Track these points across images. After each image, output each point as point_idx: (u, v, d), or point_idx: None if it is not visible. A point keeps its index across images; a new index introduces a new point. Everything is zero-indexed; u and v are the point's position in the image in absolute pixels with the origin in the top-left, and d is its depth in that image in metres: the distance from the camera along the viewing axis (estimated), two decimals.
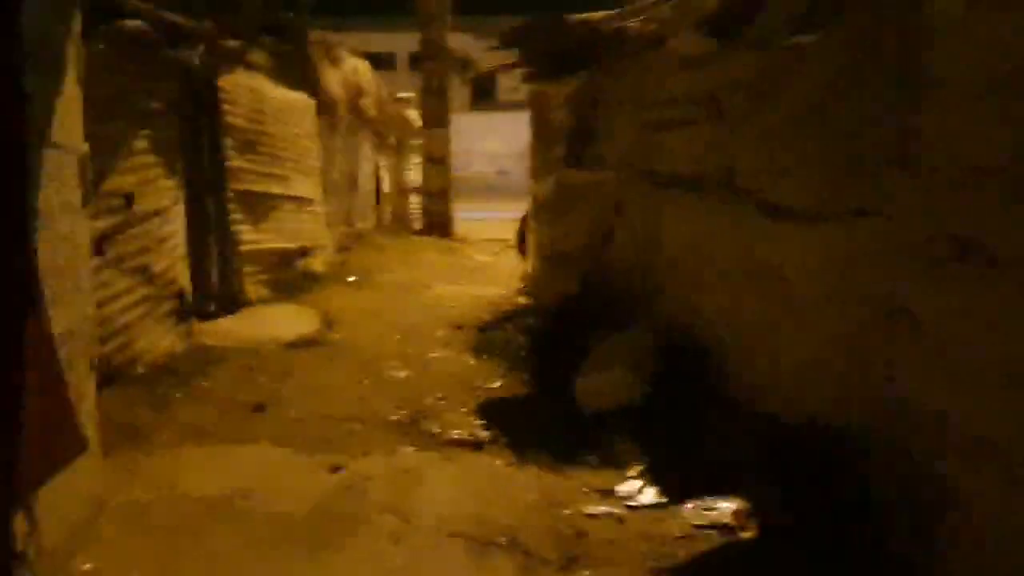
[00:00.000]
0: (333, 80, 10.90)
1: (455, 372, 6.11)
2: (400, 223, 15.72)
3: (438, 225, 15.87)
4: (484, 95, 41.61)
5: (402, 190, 16.34)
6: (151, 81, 6.04)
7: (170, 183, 6.16)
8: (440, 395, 5.54)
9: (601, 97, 6.50)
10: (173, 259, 6.09)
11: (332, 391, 5.62)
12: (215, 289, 7.60)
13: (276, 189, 8.69)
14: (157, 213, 5.82)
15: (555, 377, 5.41)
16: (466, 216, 22.15)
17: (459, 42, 22.19)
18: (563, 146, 7.08)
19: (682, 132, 5.07)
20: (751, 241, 4.18)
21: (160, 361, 5.70)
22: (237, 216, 7.74)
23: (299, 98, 9.65)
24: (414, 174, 16.62)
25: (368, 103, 12.41)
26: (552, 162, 7.52)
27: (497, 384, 5.73)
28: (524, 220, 9.34)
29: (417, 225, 16.32)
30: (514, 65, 8.82)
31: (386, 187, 14.72)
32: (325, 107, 10.66)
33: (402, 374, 6.09)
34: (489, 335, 6.82)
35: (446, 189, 16.13)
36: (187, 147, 6.88)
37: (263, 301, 8.04)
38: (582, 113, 6.80)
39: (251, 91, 8.16)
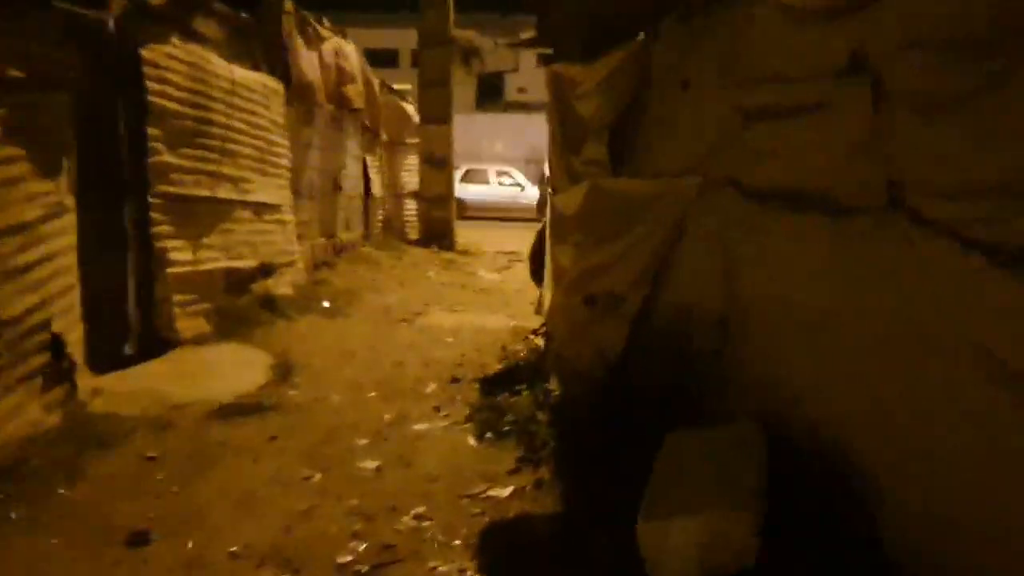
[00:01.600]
0: (309, 61, 9.04)
1: (448, 462, 4.24)
2: (393, 232, 13.85)
3: (438, 234, 14.00)
4: (491, 95, 39.92)
5: (397, 194, 14.46)
6: (30, 42, 4.22)
7: (44, 187, 4.30)
8: (421, 510, 3.67)
9: (657, 77, 4.64)
10: (45, 295, 4.23)
11: (261, 502, 3.75)
12: (133, 325, 5.75)
13: (225, 193, 6.83)
14: (11, 231, 3.96)
15: (597, 489, 3.55)
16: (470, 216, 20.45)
17: (463, 37, 20.52)
18: (596, 146, 5.22)
19: (799, 123, 3.20)
20: (935, 299, 2.34)
21: (10, 448, 3.83)
22: (165, 229, 5.88)
23: (262, 80, 7.79)
24: (411, 176, 14.75)
25: (354, 91, 10.56)
26: (579, 167, 5.66)
27: (507, 491, 3.84)
28: (539, 238, 7.47)
29: (413, 234, 14.44)
30: (531, 42, 6.96)
31: (377, 190, 12.86)
32: (299, 94, 8.81)
33: (370, 465, 4.21)
34: (497, 400, 4.95)
35: (447, 194, 14.26)
36: (89, 137, 5.04)
37: (201, 340, 6.18)
38: (626, 101, 4.93)
39: (192, 67, 6.31)
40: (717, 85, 3.92)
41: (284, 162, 8.35)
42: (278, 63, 8.39)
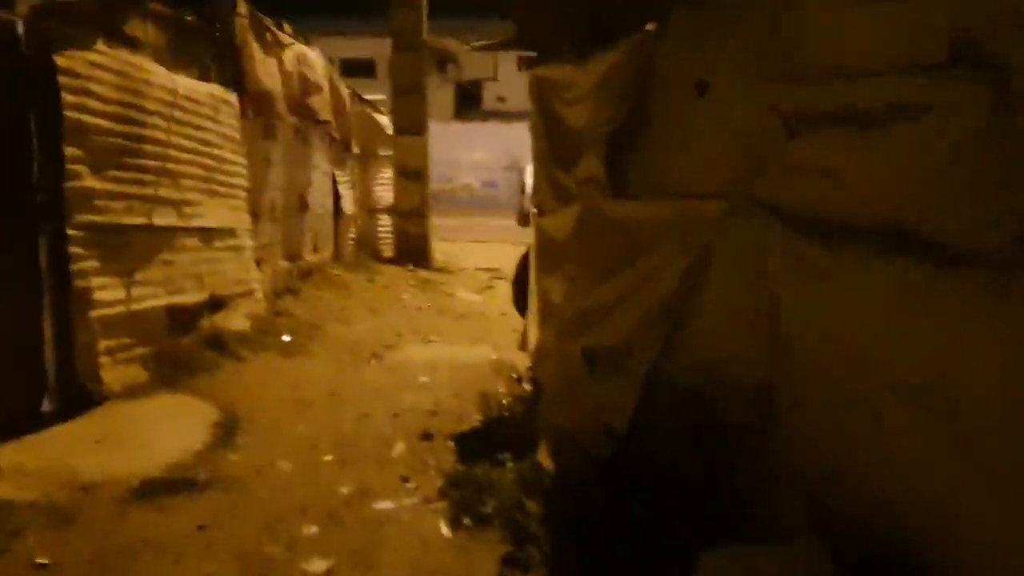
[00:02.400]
0: (267, 69, 8.21)
1: (415, 563, 3.42)
2: (367, 250, 13.01)
3: (414, 251, 13.18)
4: (469, 103, 39.20)
5: (370, 210, 13.62)
6: None
7: None
8: None
9: (664, 78, 3.85)
10: None
11: None
12: (51, 379, 4.89)
13: (164, 219, 5.98)
14: None
15: None
16: (451, 225, 19.59)
17: (438, 43, 19.77)
18: (592, 161, 4.42)
19: (874, 134, 2.42)
20: None
21: None
22: (89, 264, 5.03)
23: (211, 91, 6.95)
24: (385, 190, 13.91)
25: (320, 102, 9.72)
26: (571, 185, 4.86)
27: None
28: (523, 262, 6.68)
29: (388, 252, 13.60)
30: (510, 43, 6.16)
31: (348, 207, 12.02)
32: (256, 105, 7.97)
33: (319, 568, 3.38)
34: (476, 473, 4.11)
35: (423, 208, 13.44)
36: None
37: (135, 391, 5.32)
38: (627, 107, 4.13)
39: (123, 77, 5.46)
40: (747, 85, 3.14)
41: (239, 181, 7.50)
42: (230, 71, 7.54)
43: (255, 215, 8.12)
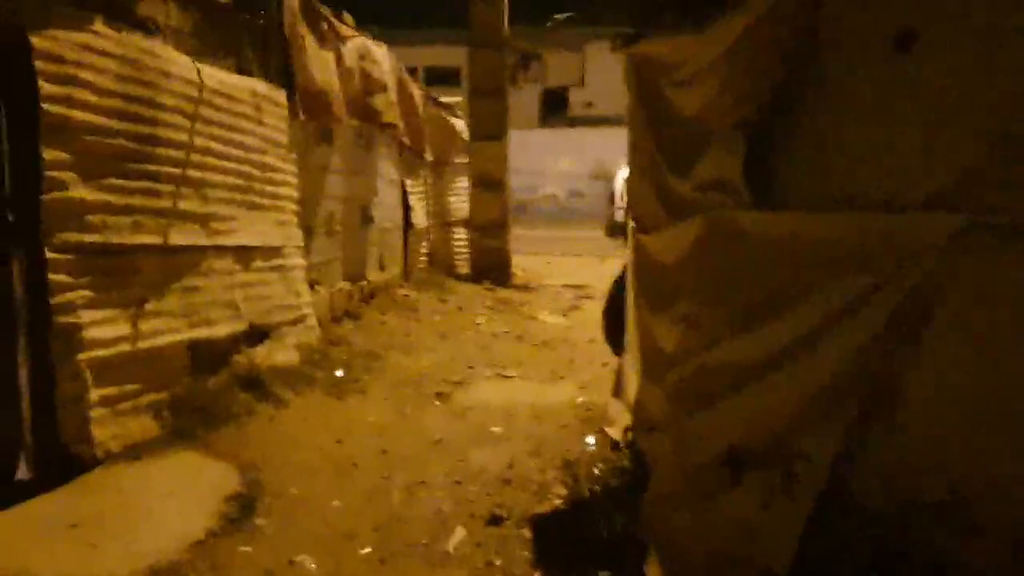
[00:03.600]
0: (322, 64, 7.20)
1: None
2: (440, 267, 11.95)
3: (492, 267, 12.06)
4: (554, 110, 38.11)
5: (444, 223, 12.58)
6: None
7: None
8: None
9: (833, 36, 2.62)
10: None
11: None
12: (28, 438, 3.90)
13: (187, 237, 4.99)
14: None
15: None
16: (533, 237, 18.45)
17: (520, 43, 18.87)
18: (721, 158, 3.20)
19: None
20: None
21: None
22: (77, 295, 4.03)
23: (252, 88, 5.97)
24: (460, 201, 12.85)
25: (384, 103, 8.69)
26: (687, 192, 3.65)
27: None
28: (617, 288, 5.47)
29: (464, 268, 12.52)
30: (599, 14, 4.97)
31: (419, 220, 11.00)
32: (308, 105, 6.96)
33: None
34: None
35: (502, 220, 12.31)
36: None
37: (139, 450, 4.30)
38: (772, 82, 2.90)
39: (129, 65, 4.48)
40: (989, 28, 1.89)
41: (287, 191, 6.51)
42: (277, 65, 6.56)
43: (308, 230, 7.12)
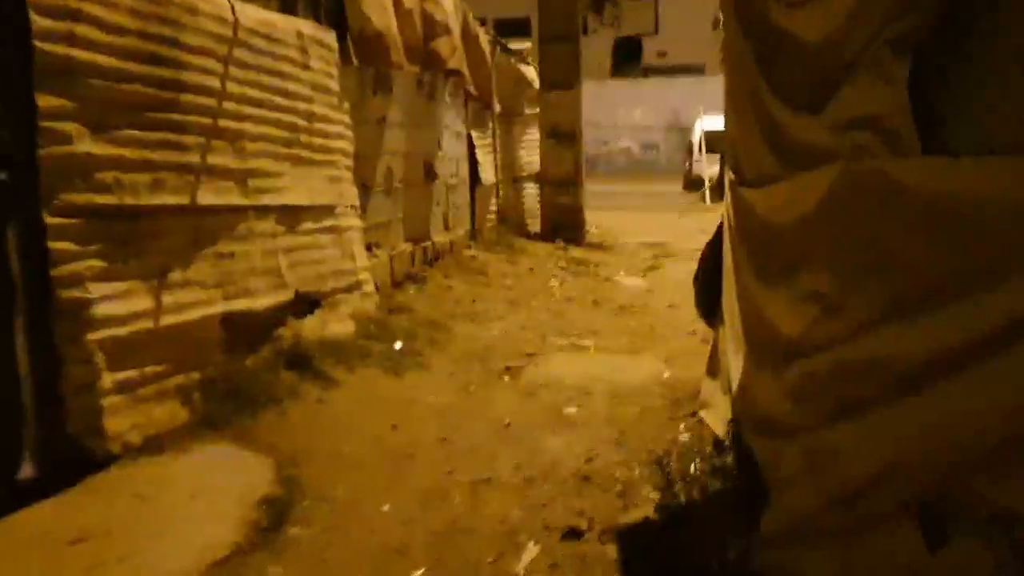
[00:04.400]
0: (379, 5, 6.51)
1: None
2: (510, 225, 11.27)
3: (565, 225, 11.33)
4: (627, 60, 36.78)
5: (514, 178, 11.86)
6: None
7: None
8: None
9: None
10: None
11: None
12: (31, 432, 3.39)
13: (220, 197, 4.40)
14: None
15: None
16: (606, 191, 17.58)
17: None
18: (870, 90, 2.43)
19: None
20: None
21: None
22: (84, 266, 3.48)
23: (297, 28, 5.33)
24: (531, 155, 12.10)
25: (448, 47, 7.97)
26: (804, 139, 2.88)
27: None
28: (712, 250, 4.70)
29: (535, 226, 11.81)
30: None
31: (487, 175, 10.31)
32: (364, 49, 6.30)
33: None
34: None
35: (575, 175, 11.53)
36: None
37: (161, 442, 3.77)
38: None
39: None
40: None
41: (340, 145, 5.89)
42: (327, 4, 5.91)
43: (364, 188, 6.52)
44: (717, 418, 4.02)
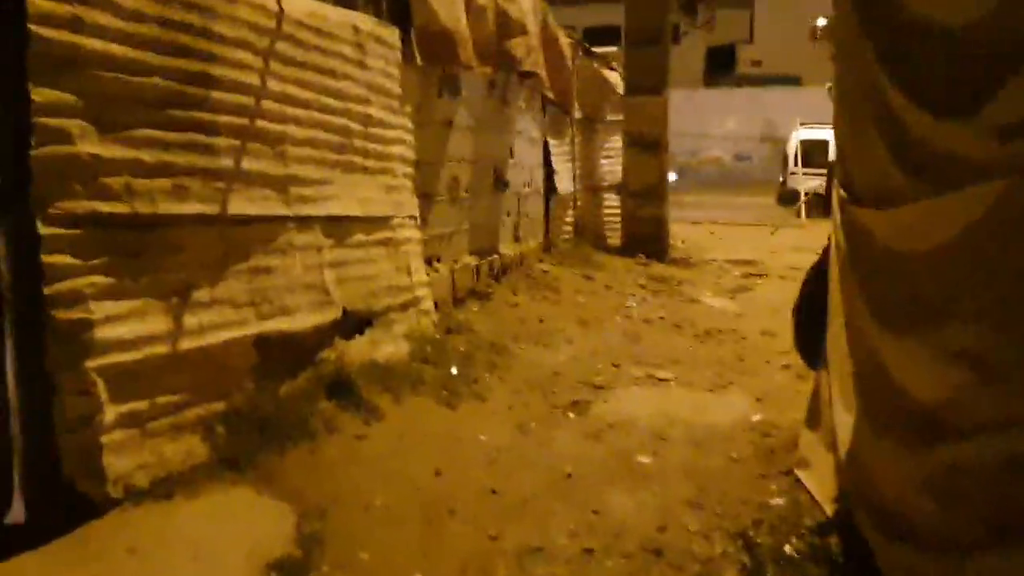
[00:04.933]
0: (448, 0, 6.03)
1: None
2: (588, 238, 10.66)
3: (646, 239, 10.66)
4: (720, 68, 35.69)
5: (593, 187, 11.25)
6: None
7: None
8: None
9: None
10: None
11: None
12: (21, 472, 2.97)
13: (255, 206, 3.95)
14: None
15: None
16: (694, 202, 16.72)
17: None
18: None
19: None
20: None
21: None
22: (87, 282, 3.05)
23: (353, 22, 4.88)
24: (612, 164, 11.47)
25: (523, 47, 7.44)
26: (951, 145, 2.23)
27: None
28: (815, 280, 4.03)
29: (615, 239, 11.17)
30: None
31: (564, 185, 9.74)
32: (429, 47, 5.82)
33: None
34: None
35: (659, 186, 10.86)
36: None
37: (169, 484, 3.31)
38: None
39: None
40: None
41: (398, 151, 5.42)
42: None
43: (426, 197, 6.03)
44: (819, 482, 3.37)
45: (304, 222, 4.35)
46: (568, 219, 10.19)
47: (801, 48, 34.09)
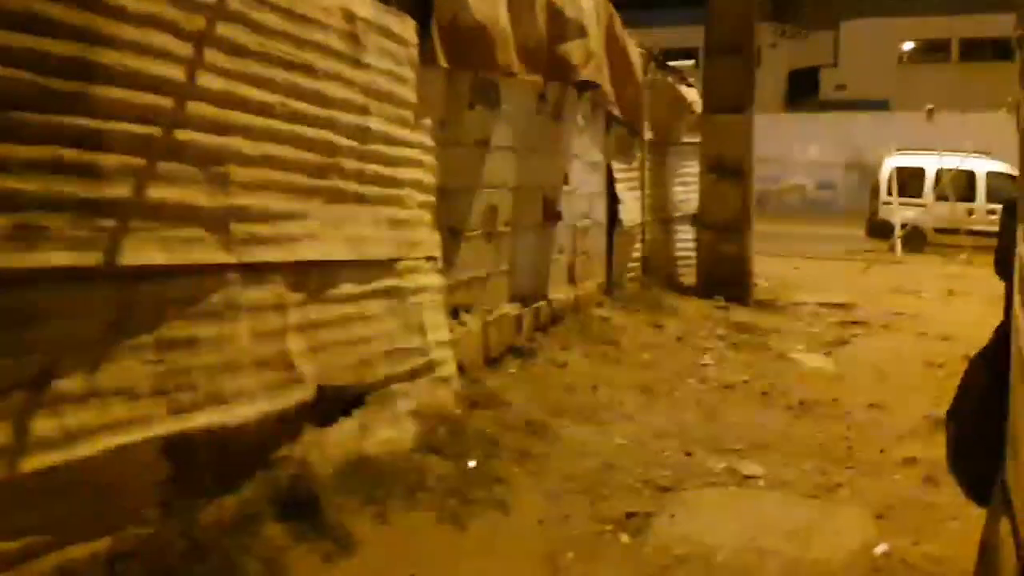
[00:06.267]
0: None
1: None
2: (658, 276, 9.30)
3: (726, 280, 9.22)
4: (802, 93, 34.00)
5: (664, 219, 9.88)
6: None
7: None
8: None
9: None
10: None
11: None
12: None
13: (167, 253, 2.77)
14: None
15: None
16: (774, 233, 15.12)
17: None
18: None
19: None
20: None
21: None
22: None
23: (341, 4, 3.70)
24: (687, 193, 10.09)
25: (582, 52, 6.19)
26: None
27: None
28: (982, 377, 2.65)
29: (690, 278, 9.77)
30: None
31: (631, 216, 8.42)
32: (456, 46, 4.62)
33: None
34: None
35: (742, 218, 9.43)
36: None
37: None
38: None
39: None
40: None
41: (411, 174, 4.23)
42: None
43: (452, 232, 4.83)
44: None
45: (256, 272, 3.16)
46: (635, 255, 8.85)
47: (888, 71, 32.28)
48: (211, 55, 2.94)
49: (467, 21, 4.68)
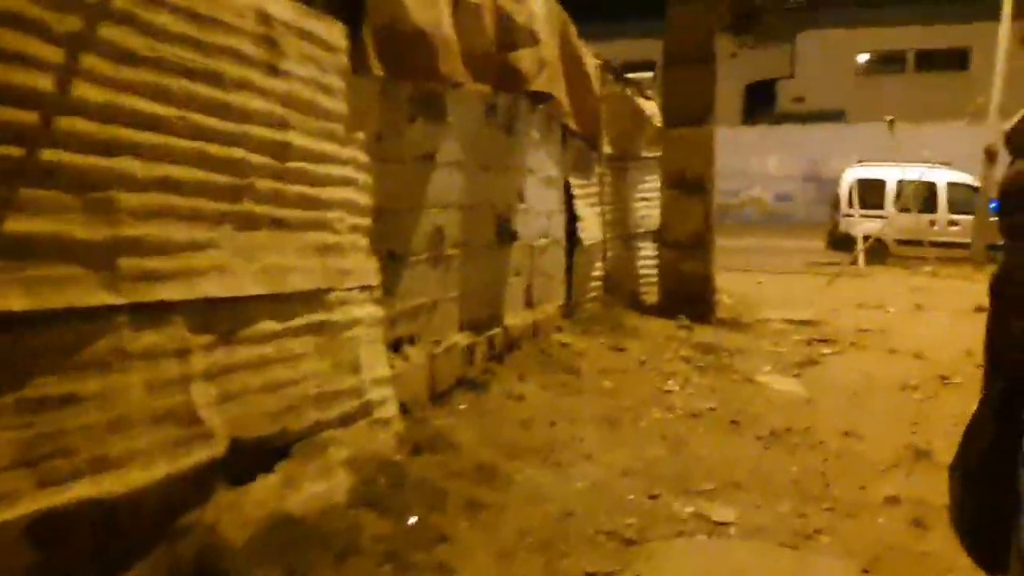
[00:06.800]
0: None
1: None
2: (620, 295, 8.93)
3: (690, 298, 8.89)
4: (758, 106, 34.08)
5: (625, 236, 9.53)
6: None
7: None
8: None
9: None
10: None
11: None
12: None
13: (35, 295, 2.31)
14: None
15: None
16: (734, 247, 14.86)
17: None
18: None
19: None
20: None
21: None
22: None
23: (255, 4, 3.27)
24: (649, 208, 9.76)
25: (533, 61, 5.80)
26: None
27: None
28: (991, 425, 2.28)
29: (652, 296, 9.43)
30: None
31: (590, 234, 8.05)
32: (395, 54, 4.21)
33: None
34: None
35: (704, 234, 9.10)
36: None
37: None
38: None
39: None
40: None
41: (342, 194, 3.80)
42: None
43: (392, 257, 4.40)
44: None
45: (151, 313, 2.71)
46: (596, 274, 8.48)
47: (845, 83, 32.46)
48: (90, 61, 2.50)
49: (405, 26, 4.27)
